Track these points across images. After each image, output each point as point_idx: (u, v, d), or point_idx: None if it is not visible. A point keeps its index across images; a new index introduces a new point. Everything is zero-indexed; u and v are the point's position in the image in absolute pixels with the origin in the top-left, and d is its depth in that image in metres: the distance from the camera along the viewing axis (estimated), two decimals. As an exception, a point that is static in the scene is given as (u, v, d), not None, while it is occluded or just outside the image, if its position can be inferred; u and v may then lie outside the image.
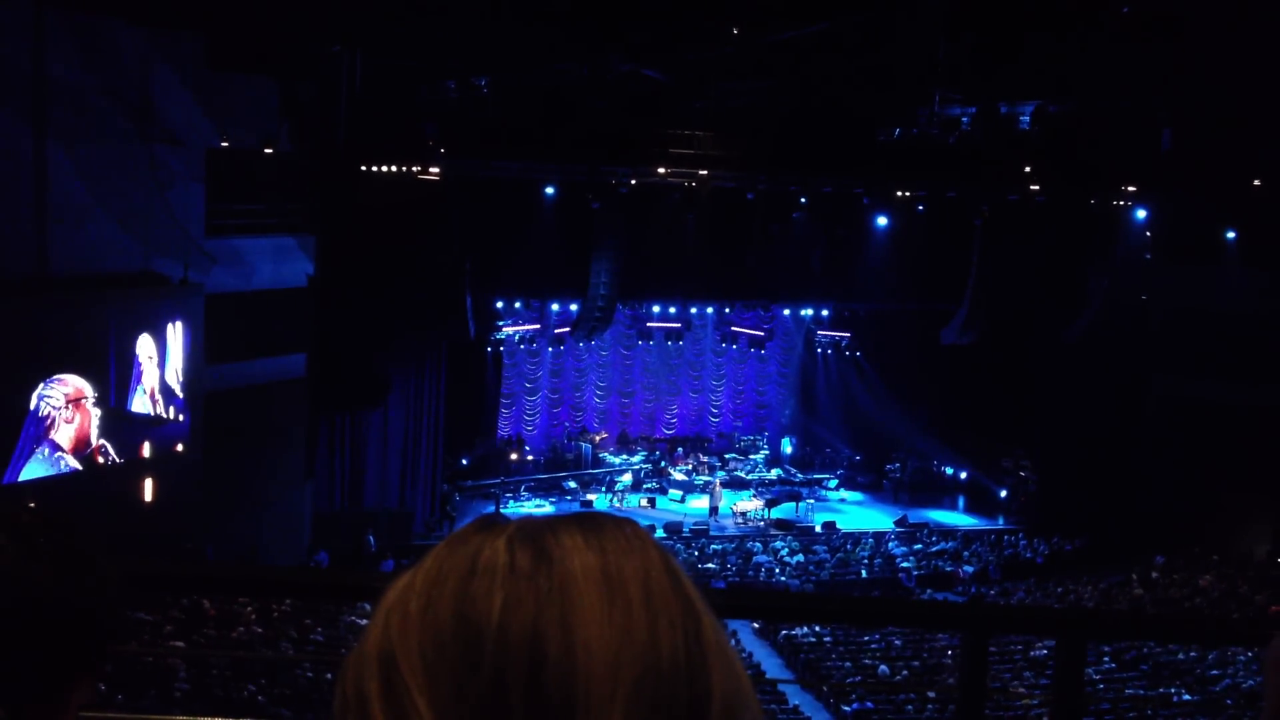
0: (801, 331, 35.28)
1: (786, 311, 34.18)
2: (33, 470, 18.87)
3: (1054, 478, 30.54)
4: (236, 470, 22.36)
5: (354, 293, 24.66)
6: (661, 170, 26.33)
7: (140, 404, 20.65)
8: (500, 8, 22.66)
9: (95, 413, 19.66)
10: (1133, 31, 23.77)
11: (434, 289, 25.78)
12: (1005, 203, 27.81)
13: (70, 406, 19.29)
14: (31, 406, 18.76)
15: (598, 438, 33.47)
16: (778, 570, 26.89)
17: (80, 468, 19.43)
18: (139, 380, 20.55)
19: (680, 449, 33.77)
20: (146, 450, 20.92)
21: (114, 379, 20.19)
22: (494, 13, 22.58)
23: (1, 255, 18.62)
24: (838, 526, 29.99)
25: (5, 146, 18.71)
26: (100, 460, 19.93)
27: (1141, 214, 28.89)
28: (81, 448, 19.58)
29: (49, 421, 19.00)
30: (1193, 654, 20.55)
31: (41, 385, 18.89)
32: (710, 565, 26.54)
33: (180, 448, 21.32)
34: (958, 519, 31.72)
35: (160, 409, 20.97)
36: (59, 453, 19.21)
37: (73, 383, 19.39)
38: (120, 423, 20.43)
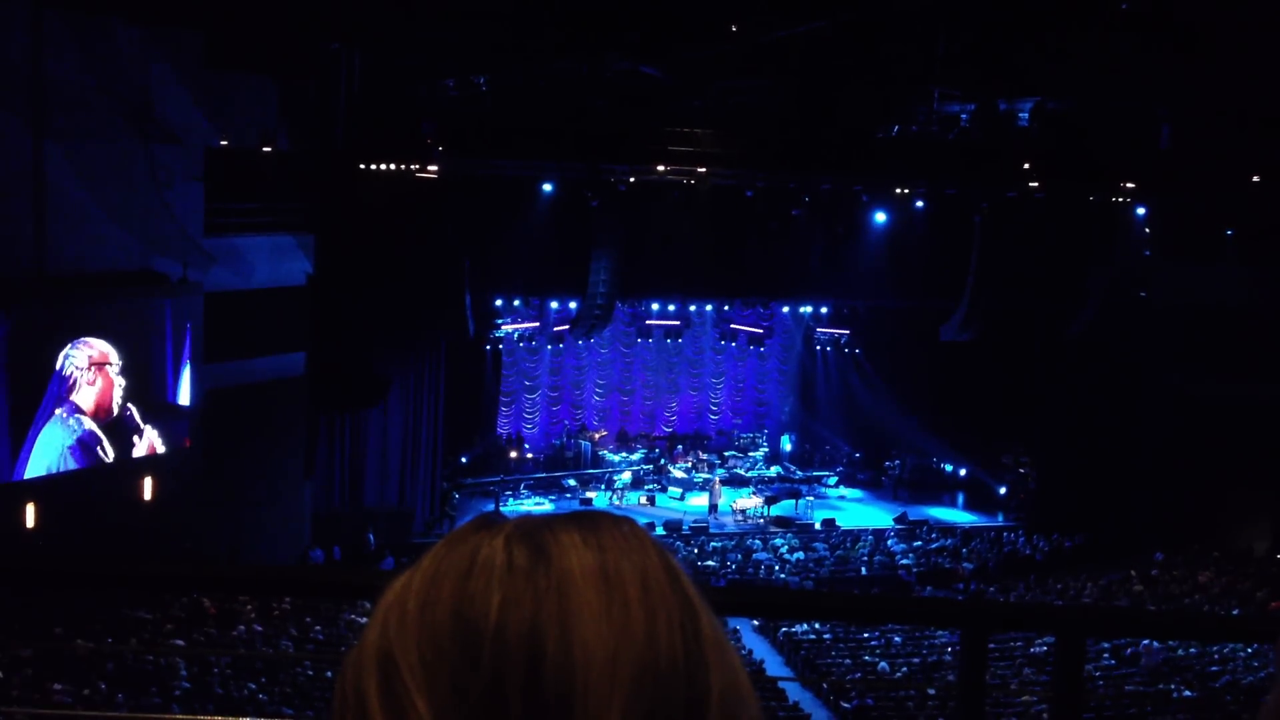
0: (801, 329, 35.29)
1: (786, 309, 34.20)
2: (52, 430, 18.95)
3: (1053, 474, 30.56)
4: (236, 469, 22.37)
5: (353, 291, 24.66)
6: (660, 168, 26.32)
7: (185, 394, 21.11)
8: (499, 6, 22.65)
9: (119, 380, 19.84)
10: (1132, 28, 23.76)
11: (433, 287, 25.78)
12: (1004, 200, 27.82)
13: (93, 369, 19.46)
14: (57, 366, 18.97)
15: (597, 435, 33.48)
16: (777, 567, 26.90)
17: (97, 430, 19.59)
18: (187, 361, 20.98)
19: (680, 447, 33.78)
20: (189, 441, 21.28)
21: (170, 365, 20.66)
22: (492, 11, 22.57)
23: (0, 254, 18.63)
24: (837, 524, 30.01)
25: (3, 146, 18.70)
26: (127, 437, 20.13)
27: (1141, 211, 28.90)
28: (103, 414, 19.74)
29: (72, 382, 19.20)
30: (1192, 650, 20.56)
31: (68, 346, 19.10)
32: (710, 563, 26.55)
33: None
34: (957, 516, 31.74)
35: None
36: (78, 414, 19.35)
37: (98, 346, 19.57)
38: (165, 413, 20.68)
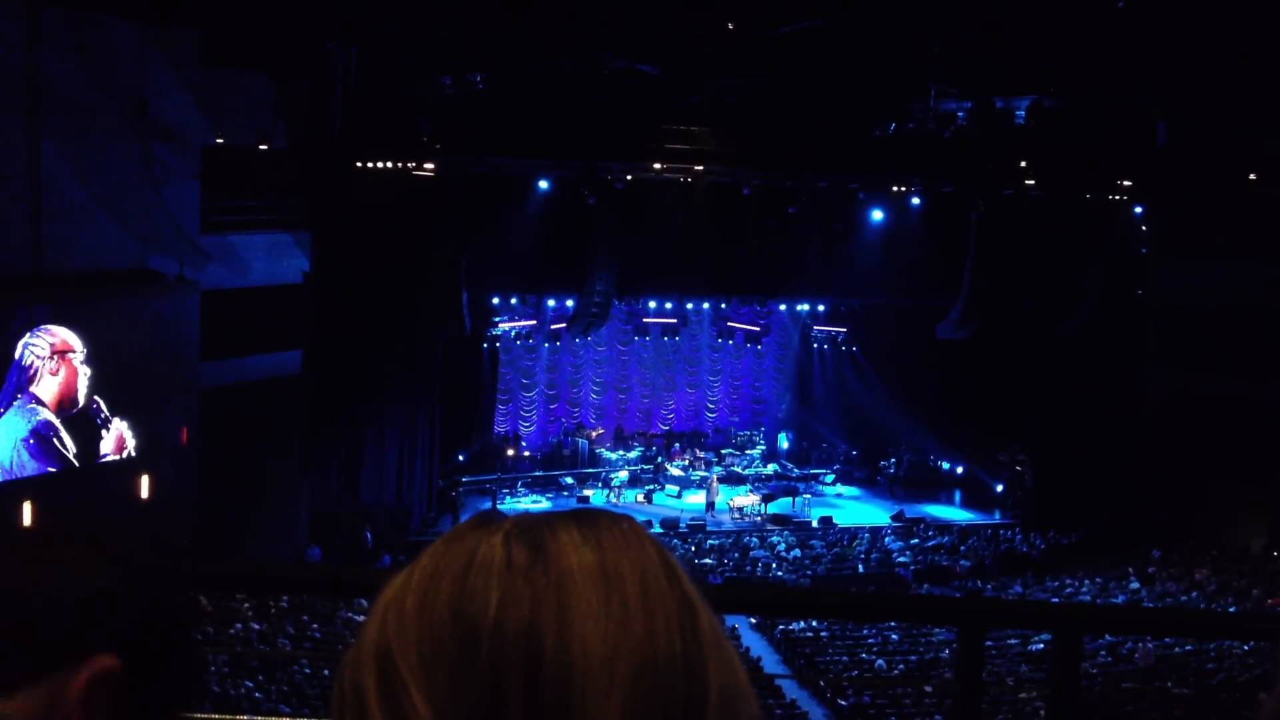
0: (798, 326, 35.29)
1: (783, 307, 34.21)
2: (8, 422, 18.44)
3: (1050, 472, 30.57)
4: (233, 467, 22.35)
5: (350, 289, 24.66)
6: (657, 166, 26.31)
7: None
8: (495, 3, 22.64)
9: (84, 370, 19.29)
10: (1128, 25, 23.77)
11: (430, 285, 25.77)
12: (1001, 197, 27.81)
13: (55, 358, 18.88)
14: (16, 355, 18.47)
15: (594, 434, 33.47)
16: (775, 565, 26.91)
17: (55, 420, 19.02)
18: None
19: (677, 444, 33.78)
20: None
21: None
22: (489, 8, 22.56)
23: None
24: (834, 521, 30.01)
25: (0, 143, 18.70)
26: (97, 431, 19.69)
27: (1137, 208, 28.92)
28: (66, 405, 19.16)
29: (32, 371, 18.61)
30: (1189, 648, 20.59)
31: (28, 334, 18.58)
32: (707, 560, 26.54)
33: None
34: (954, 514, 31.75)
35: None
36: (34, 404, 18.68)
37: (60, 334, 18.98)
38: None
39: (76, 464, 19.47)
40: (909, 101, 27.17)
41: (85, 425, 19.57)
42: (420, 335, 27.56)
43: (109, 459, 20.12)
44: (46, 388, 18.91)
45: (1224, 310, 27.40)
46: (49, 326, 18.86)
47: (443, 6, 22.40)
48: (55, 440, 19.13)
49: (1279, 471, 26.63)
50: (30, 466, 18.81)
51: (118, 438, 20.19)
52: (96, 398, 19.65)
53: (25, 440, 18.71)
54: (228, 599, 19.07)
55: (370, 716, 0.90)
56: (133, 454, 20.40)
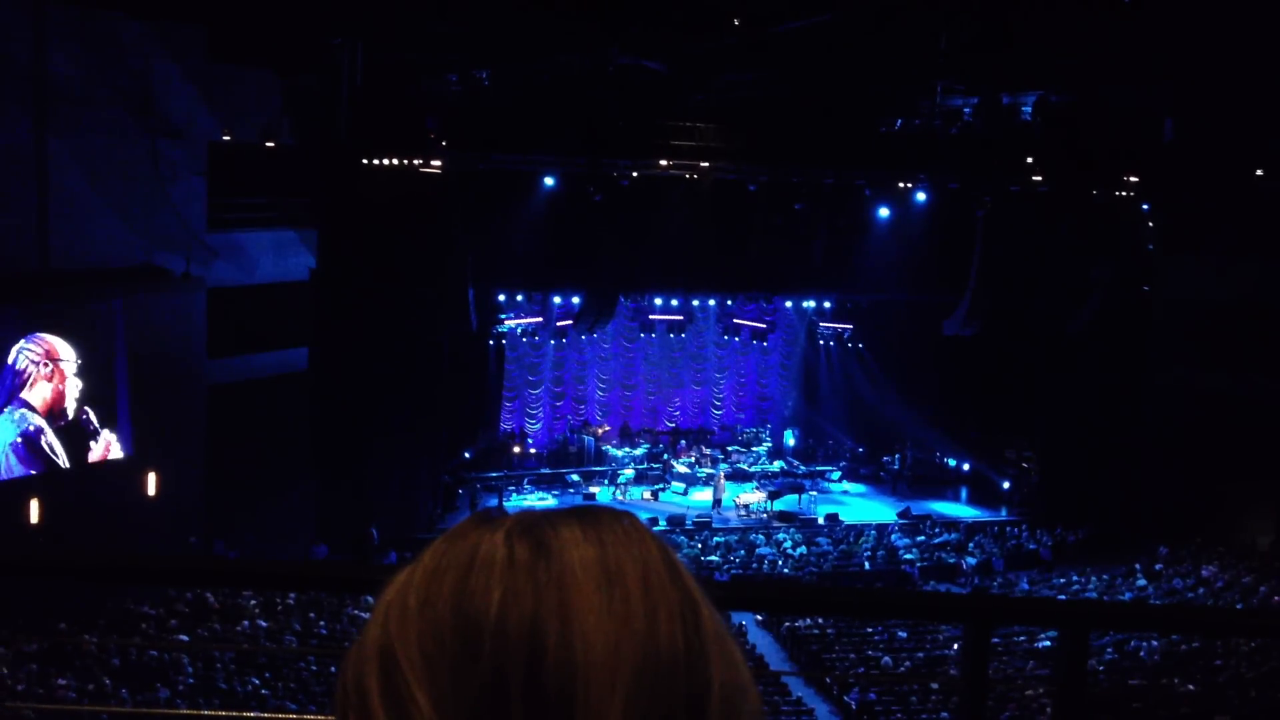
0: (804, 323, 35.28)
1: (789, 303, 34.20)
2: (1, 425, 18.49)
3: (1057, 469, 30.54)
4: (240, 464, 22.38)
5: (356, 286, 24.67)
6: (663, 162, 26.31)
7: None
8: (502, 0, 22.65)
9: (75, 381, 19.36)
10: (1134, 21, 23.72)
11: (436, 282, 25.78)
12: (1007, 193, 27.77)
13: (47, 365, 18.93)
14: (10, 360, 18.53)
15: (600, 431, 33.47)
16: (780, 562, 26.91)
17: (45, 425, 19.03)
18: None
19: (683, 441, 33.78)
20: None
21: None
22: (495, 5, 22.57)
23: (2, 249, 18.64)
24: (840, 518, 30.01)
25: (6, 140, 18.73)
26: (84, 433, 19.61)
27: (1144, 205, 28.87)
28: (56, 414, 19.22)
29: (25, 376, 18.69)
30: (1196, 645, 20.56)
31: (23, 340, 18.66)
32: (713, 558, 26.56)
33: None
34: (960, 510, 31.71)
35: None
36: (25, 409, 18.72)
37: (52, 342, 19.05)
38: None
39: (62, 466, 19.41)
40: (915, 98, 27.14)
41: (75, 434, 19.63)
42: (426, 332, 27.55)
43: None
44: (39, 393, 18.97)
45: (1231, 306, 27.34)
46: (42, 335, 18.99)
47: (449, 3, 22.41)
48: (43, 444, 19.12)
49: (1286, 468, 26.56)
50: (17, 470, 18.81)
51: (105, 448, 20.22)
52: (87, 408, 19.71)
53: (13, 444, 18.73)
54: (234, 596, 19.12)
55: (373, 714, 0.90)
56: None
